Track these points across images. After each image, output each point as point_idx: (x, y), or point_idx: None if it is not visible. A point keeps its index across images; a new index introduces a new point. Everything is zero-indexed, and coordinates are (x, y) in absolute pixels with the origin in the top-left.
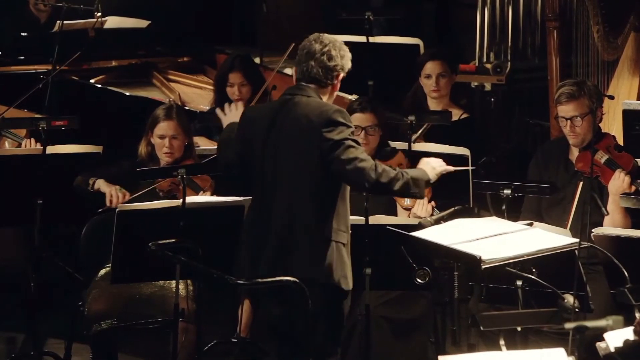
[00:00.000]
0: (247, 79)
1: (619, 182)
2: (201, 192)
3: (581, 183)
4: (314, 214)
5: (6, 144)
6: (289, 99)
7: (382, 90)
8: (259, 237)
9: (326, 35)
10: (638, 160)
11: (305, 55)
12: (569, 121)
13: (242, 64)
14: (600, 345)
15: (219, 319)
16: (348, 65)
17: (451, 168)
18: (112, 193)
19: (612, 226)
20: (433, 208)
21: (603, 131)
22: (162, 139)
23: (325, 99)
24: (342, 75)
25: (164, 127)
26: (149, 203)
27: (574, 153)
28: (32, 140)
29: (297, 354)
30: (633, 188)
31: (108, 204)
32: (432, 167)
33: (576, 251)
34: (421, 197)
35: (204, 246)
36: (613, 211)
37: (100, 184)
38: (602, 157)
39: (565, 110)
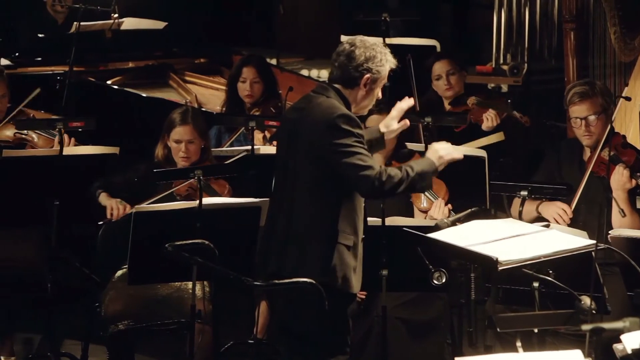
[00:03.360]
0: (260, 76)
1: (618, 175)
2: None
3: (584, 181)
4: (312, 215)
5: (34, 136)
6: (312, 96)
7: (398, 91)
8: (268, 235)
9: (362, 37)
10: None
11: (334, 55)
12: (583, 121)
13: (257, 61)
14: (617, 347)
15: (236, 320)
16: (380, 67)
17: (460, 155)
18: (113, 206)
19: (619, 224)
20: (449, 210)
21: (616, 131)
22: (178, 143)
23: (354, 102)
24: (368, 76)
25: (179, 132)
26: (165, 204)
27: (588, 154)
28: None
29: (303, 353)
30: (634, 182)
31: (109, 216)
32: (439, 156)
33: (593, 252)
34: (429, 189)
35: (220, 247)
36: (616, 207)
37: (101, 198)
38: (607, 155)
39: (580, 110)
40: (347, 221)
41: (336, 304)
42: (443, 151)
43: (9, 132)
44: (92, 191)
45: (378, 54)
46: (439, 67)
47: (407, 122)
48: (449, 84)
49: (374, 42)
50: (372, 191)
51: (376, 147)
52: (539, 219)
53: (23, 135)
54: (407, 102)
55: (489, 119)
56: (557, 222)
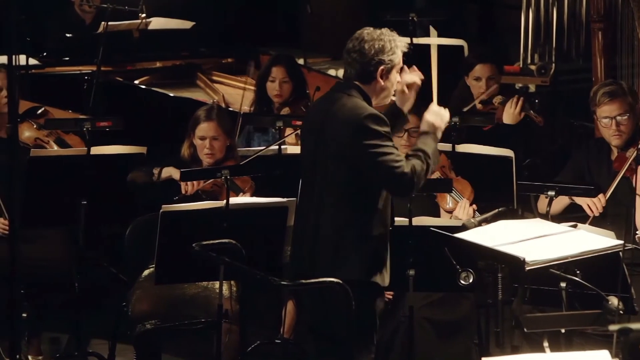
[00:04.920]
0: (289, 76)
1: None
2: (241, 193)
3: (617, 181)
4: (344, 214)
5: (54, 146)
6: (334, 96)
7: (425, 91)
8: (298, 234)
9: (368, 30)
10: None
11: (345, 53)
12: (613, 120)
13: (287, 60)
14: None
15: (263, 320)
16: (392, 55)
17: (447, 113)
18: (187, 181)
19: None
20: (474, 210)
21: None
22: (203, 140)
23: (373, 95)
24: (382, 67)
25: (204, 129)
26: (192, 204)
27: (615, 154)
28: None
29: (331, 352)
30: None
31: (183, 192)
32: (436, 128)
33: (620, 253)
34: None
35: (247, 247)
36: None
37: (172, 172)
38: (632, 155)
39: (610, 109)
40: (377, 217)
41: (369, 301)
42: (437, 121)
43: (29, 134)
44: (140, 178)
45: (387, 43)
46: (481, 70)
47: (419, 76)
48: (487, 89)
49: (381, 31)
50: (408, 189)
51: (399, 125)
52: (571, 205)
53: (44, 144)
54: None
55: (511, 103)
56: (590, 208)
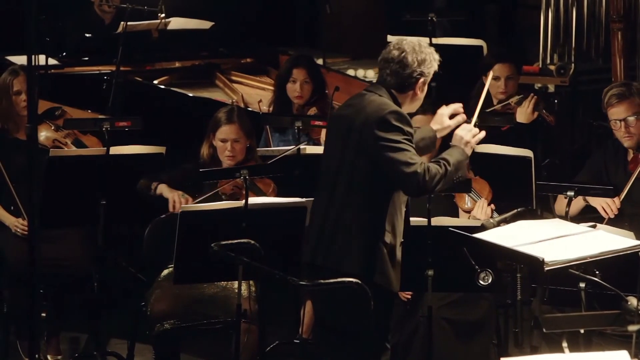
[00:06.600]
0: (310, 77)
1: None
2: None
3: (631, 181)
4: (360, 210)
5: (72, 147)
6: (364, 94)
7: (445, 91)
8: (313, 228)
9: (408, 40)
10: None
11: (382, 61)
12: (622, 122)
13: (308, 62)
14: None
15: (281, 320)
16: (430, 69)
17: (482, 133)
18: (175, 199)
19: None
20: (492, 210)
21: None
22: (224, 142)
23: (405, 102)
24: (422, 79)
25: (225, 131)
26: (212, 204)
27: (631, 154)
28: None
29: (342, 350)
30: None
31: (171, 209)
32: (466, 142)
33: None
34: (464, 177)
35: (266, 247)
36: None
37: (163, 189)
38: None
39: (618, 111)
40: (389, 220)
41: (375, 301)
42: (467, 136)
43: (47, 135)
44: (144, 188)
45: (427, 56)
46: (500, 69)
47: (463, 116)
48: (505, 89)
49: (419, 43)
50: (417, 189)
51: (428, 148)
52: (587, 207)
53: (61, 145)
54: (461, 116)
55: (525, 104)
56: (605, 211)
